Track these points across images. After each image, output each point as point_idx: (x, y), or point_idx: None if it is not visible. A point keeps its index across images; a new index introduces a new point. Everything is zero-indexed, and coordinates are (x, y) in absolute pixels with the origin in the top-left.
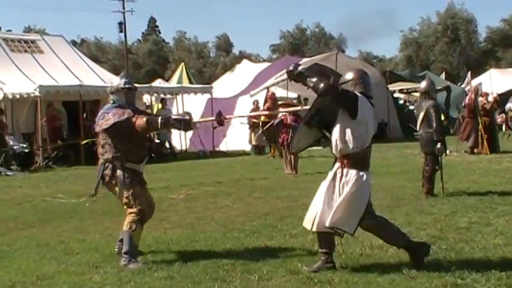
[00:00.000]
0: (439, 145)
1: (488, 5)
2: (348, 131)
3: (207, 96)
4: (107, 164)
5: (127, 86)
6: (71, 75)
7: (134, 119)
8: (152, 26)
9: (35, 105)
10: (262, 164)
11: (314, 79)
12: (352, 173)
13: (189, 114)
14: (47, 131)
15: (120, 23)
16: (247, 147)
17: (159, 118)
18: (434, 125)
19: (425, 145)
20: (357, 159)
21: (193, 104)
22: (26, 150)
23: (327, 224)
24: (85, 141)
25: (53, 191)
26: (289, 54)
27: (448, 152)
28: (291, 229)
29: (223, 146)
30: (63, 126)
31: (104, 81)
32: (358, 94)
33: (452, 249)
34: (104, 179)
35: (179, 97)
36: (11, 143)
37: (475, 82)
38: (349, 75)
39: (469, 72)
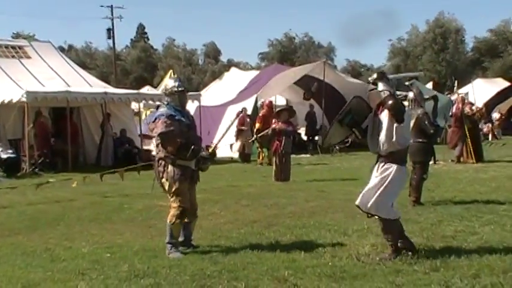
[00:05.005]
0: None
1: (475, 15)
2: (394, 133)
3: (196, 103)
4: (160, 161)
5: (180, 88)
6: (59, 81)
7: (174, 135)
8: (141, 32)
9: (22, 110)
10: (250, 172)
11: (386, 93)
12: (394, 166)
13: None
14: (37, 138)
15: (108, 30)
16: (235, 155)
17: (190, 150)
18: (429, 126)
19: (414, 154)
20: (398, 156)
21: None
22: (13, 156)
23: (364, 208)
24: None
25: (39, 198)
26: (278, 62)
27: (435, 161)
28: (278, 237)
29: None
30: (50, 133)
31: (92, 87)
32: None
33: (438, 258)
34: (158, 175)
35: None
36: None
37: (461, 92)
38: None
39: (456, 82)
